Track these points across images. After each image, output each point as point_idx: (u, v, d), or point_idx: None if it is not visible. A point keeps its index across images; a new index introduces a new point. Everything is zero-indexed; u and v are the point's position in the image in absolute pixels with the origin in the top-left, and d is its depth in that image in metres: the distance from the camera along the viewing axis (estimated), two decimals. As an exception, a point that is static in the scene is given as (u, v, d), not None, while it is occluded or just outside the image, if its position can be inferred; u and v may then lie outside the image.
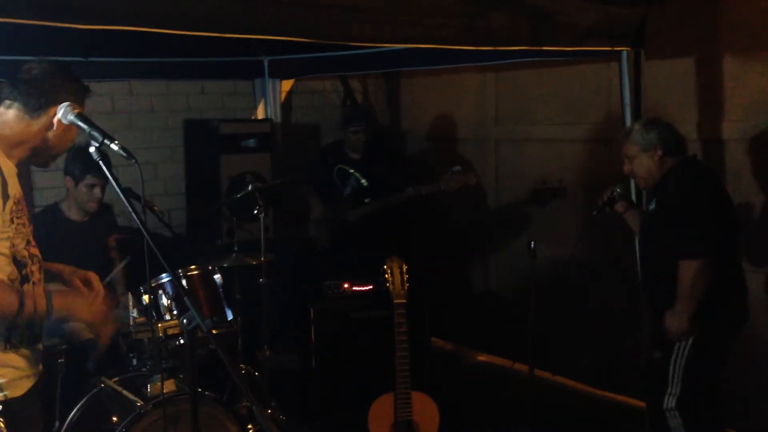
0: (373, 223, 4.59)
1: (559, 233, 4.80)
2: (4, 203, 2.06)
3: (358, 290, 4.15)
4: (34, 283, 2.18)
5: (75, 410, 3.14)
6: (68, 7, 2.38)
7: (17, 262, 2.12)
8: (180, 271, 3.24)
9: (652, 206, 3.43)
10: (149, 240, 1.96)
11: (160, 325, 2.98)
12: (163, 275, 3.25)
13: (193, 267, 3.31)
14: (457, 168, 4.48)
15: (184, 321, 1.96)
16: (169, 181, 5.40)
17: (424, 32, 3.08)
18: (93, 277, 2.44)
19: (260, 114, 5.62)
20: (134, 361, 3.30)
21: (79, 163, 3.73)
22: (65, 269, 2.46)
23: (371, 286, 4.14)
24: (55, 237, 3.69)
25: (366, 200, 4.59)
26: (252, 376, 3.88)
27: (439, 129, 5.81)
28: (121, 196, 1.98)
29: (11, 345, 2.12)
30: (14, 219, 2.10)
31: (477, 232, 5.56)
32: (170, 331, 3.00)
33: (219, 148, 4.99)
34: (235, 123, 5.21)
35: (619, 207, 3.63)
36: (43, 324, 2.23)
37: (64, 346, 3.32)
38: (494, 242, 5.49)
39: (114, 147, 2.02)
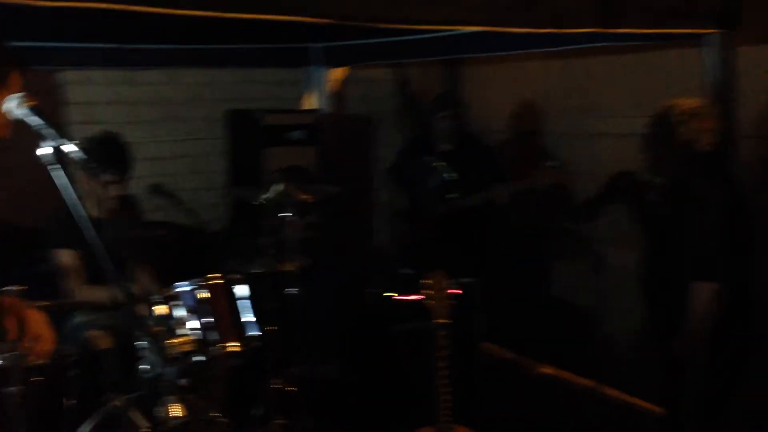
0: (457, 221, 4.23)
1: (629, 237, 4.34)
2: None
3: (404, 300, 3.77)
4: None
5: (82, 427, 2.87)
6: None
7: None
8: (199, 280, 2.92)
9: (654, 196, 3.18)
10: (102, 254, 1.62)
11: (170, 341, 2.66)
12: (182, 283, 2.94)
13: (214, 275, 2.98)
14: (552, 163, 4.08)
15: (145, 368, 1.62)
16: (212, 174, 5.14)
17: (472, 12, 2.69)
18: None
19: (309, 104, 5.31)
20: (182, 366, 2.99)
21: (95, 156, 3.47)
22: None
23: (422, 294, 3.76)
24: (75, 235, 3.46)
25: (452, 195, 4.23)
26: (285, 392, 3.56)
27: (503, 122, 5.38)
28: (70, 203, 1.63)
29: None
30: None
31: (543, 232, 5.12)
32: (183, 348, 2.68)
33: (262, 140, 4.70)
34: (279, 114, 4.90)
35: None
36: None
37: (74, 358, 3.06)
38: (563, 245, 5.04)
39: (70, 148, 1.67)
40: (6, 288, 2.73)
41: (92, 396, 3.09)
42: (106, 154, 3.52)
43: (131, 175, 3.63)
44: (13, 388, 2.72)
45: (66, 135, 1.68)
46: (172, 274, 3.74)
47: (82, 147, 3.59)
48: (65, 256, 3.46)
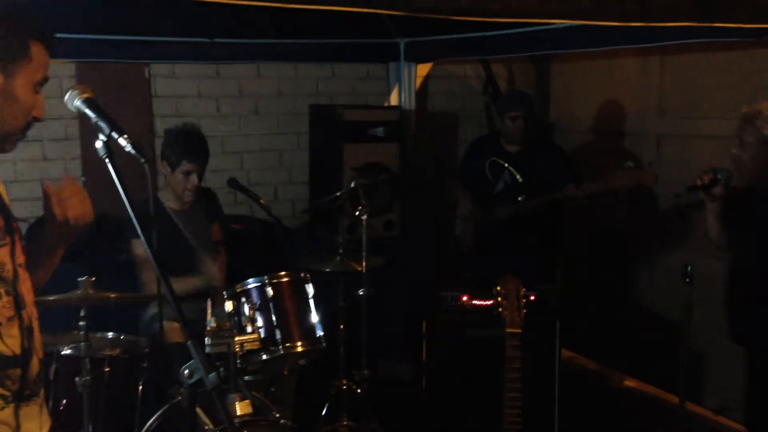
0: (524, 224, 4.06)
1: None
2: None
3: (478, 304, 3.65)
4: None
5: (152, 420, 2.89)
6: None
7: None
8: (266, 278, 2.89)
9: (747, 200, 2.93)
10: (146, 245, 1.58)
11: (237, 338, 2.64)
12: (250, 280, 2.92)
13: (282, 273, 2.95)
14: (630, 164, 3.85)
15: (185, 372, 1.57)
16: (294, 169, 5.14)
17: (558, 4, 2.53)
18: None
19: (394, 100, 5.23)
20: (221, 371, 2.99)
21: (175, 147, 3.52)
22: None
23: (493, 301, 3.62)
24: (155, 228, 3.50)
25: (520, 198, 4.07)
26: (353, 393, 3.51)
27: (593, 121, 5.15)
28: (123, 197, 1.59)
29: None
30: None
31: (631, 239, 4.88)
32: (248, 346, 2.66)
33: (343, 135, 4.65)
34: (361, 110, 4.83)
35: (717, 190, 3.06)
36: (35, 377, 1.73)
37: (147, 350, 3.10)
38: (649, 252, 4.79)
39: (122, 142, 1.62)
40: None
41: (162, 388, 3.12)
42: (185, 144, 3.56)
43: (208, 167, 3.64)
44: (83, 378, 2.77)
45: (117, 128, 1.62)
46: (247, 269, 3.76)
47: (163, 139, 3.67)
48: (139, 247, 3.52)
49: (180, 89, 4.77)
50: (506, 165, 4.11)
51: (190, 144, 3.55)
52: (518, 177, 4.06)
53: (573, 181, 3.84)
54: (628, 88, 4.92)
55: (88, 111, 1.65)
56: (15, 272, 1.69)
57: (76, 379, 2.76)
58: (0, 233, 1.67)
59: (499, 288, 2.69)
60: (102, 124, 1.62)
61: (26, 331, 1.70)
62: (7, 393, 1.65)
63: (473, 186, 4.22)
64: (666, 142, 4.69)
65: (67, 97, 1.67)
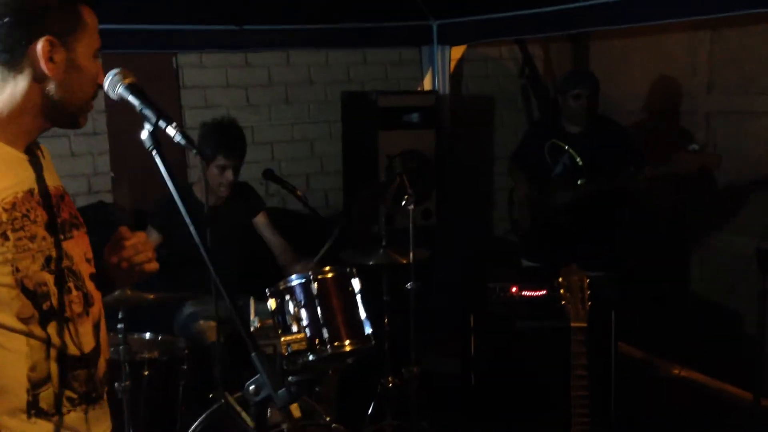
0: (583, 209, 3.87)
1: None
2: None
3: (529, 295, 3.48)
4: (68, 319, 1.53)
5: (195, 425, 2.76)
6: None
7: (30, 294, 1.47)
8: (310, 273, 2.74)
9: None
10: (205, 254, 1.42)
11: (282, 339, 2.49)
12: (293, 277, 2.76)
13: (327, 269, 2.79)
14: (695, 146, 3.64)
15: (251, 389, 1.42)
16: (326, 158, 4.99)
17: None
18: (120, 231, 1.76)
19: (427, 85, 5.06)
20: (293, 387, 2.84)
21: (211, 141, 3.39)
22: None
23: (544, 291, 3.45)
24: (169, 220, 3.37)
25: (579, 181, 3.87)
26: (400, 390, 3.36)
27: (636, 100, 4.92)
28: (173, 190, 1.42)
29: (40, 412, 1.49)
30: (8, 233, 1.44)
31: (680, 222, 4.67)
32: (295, 347, 2.51)
33: (377, 122, 4.49)
34: (395, 95, 4.67)
35: None
36: (101, 377, 1.63)
37: (186, 351, 2.97)
38: (700, 236, 4.58)
39: (170, 131, 1.46)
40: None
41: (203, 390, 3.00)
42: (221, 138, 3.45)
43: (244, 161, 3.52)
44: (123, 383, 2.65)
45: (164, 116, 1.46)
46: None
47: (199, 132, 3.54)
48: (153, 234, 3.45)
49: (208, 79, 4.64)
50: (566, 147, 3.91)
51: (226, 138, 3.44)
52: (578, 160, 3.86)
53: (635, 166, 3.63)
54: (674, 64, 4.70)
55: (131, 98, 1.49)
56: (83, 267, 1.61)
57: (116, 384, 2.64)
58: (66, 226, 1.59)
59: (561, 280, 2.51)
60: (148, 113, 1.46)
61: (94, 330, 1.61)
62: (74, 395, 1.56)
63: (531, 169, 4.03)
64: (716, 120, 4.47)
65: (107, 82, 1.52)
